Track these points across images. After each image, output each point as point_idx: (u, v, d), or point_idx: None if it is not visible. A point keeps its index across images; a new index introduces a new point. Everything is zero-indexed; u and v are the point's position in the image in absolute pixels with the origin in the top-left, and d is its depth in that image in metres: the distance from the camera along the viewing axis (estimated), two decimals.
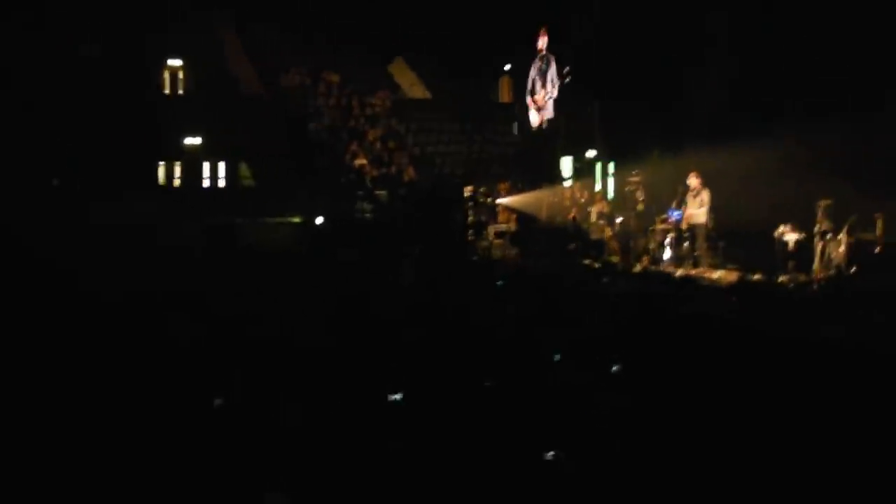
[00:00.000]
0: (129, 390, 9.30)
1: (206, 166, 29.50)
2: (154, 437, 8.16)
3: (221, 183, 29.82)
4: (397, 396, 9.43)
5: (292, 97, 31.53)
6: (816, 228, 20.16)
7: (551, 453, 8.04)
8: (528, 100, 26.58)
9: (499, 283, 17.97)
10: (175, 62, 29.99)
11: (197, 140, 28.43)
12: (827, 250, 19.95)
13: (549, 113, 26.00)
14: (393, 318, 13.18)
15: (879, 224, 20.14)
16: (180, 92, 30.25)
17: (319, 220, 25.68)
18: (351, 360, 10.63)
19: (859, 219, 19.94)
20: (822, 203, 20.26)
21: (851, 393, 9.94)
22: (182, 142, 28.32)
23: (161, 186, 29.01)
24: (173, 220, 23.20)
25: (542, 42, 25.85)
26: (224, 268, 18.10)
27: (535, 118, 26.55)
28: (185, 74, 30.19)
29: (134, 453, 7.83)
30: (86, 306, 12.78)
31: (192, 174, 29.16)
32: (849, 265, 19.71)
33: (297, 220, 25.79)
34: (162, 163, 29.08)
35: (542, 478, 7.88)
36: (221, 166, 29.83)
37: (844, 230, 19.79)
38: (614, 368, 10.48)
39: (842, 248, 19.81)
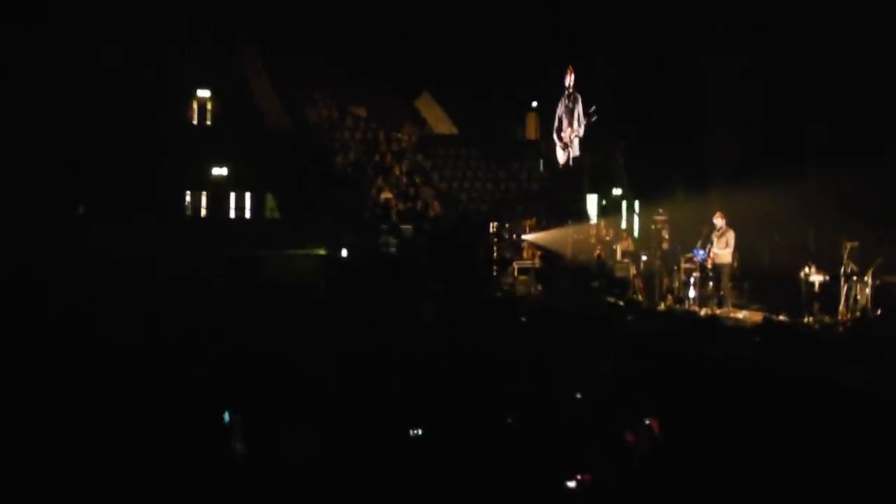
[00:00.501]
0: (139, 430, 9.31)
1: (232, 197, 29.64)
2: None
3: (247, 214, 29.94)
4: (418, 431, 9.43)
5: (318, 130, 31.63)
6: (842, 270, 20.09)
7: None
8: (555, 137, 26.53)
9: (522, 319, 17.95)
10: (203, 93, 30.15)
11: (224, 171, 28.56)
12: (852, 292, 19.87)
13: (575, 151, 25.93)
14: (415, 354, 13.17)
15: None
16: (208, 122, 30.41)
17: (344, 253, 25.73)
18: (372, 396, 10.63)
19: (885, 262, 19.86)
20: (848, 245, 20.20)
21: (870, 438, 9.88)
22: (209, 172, 28.46)
23: (188, 216, 29.15)
24: (199, 249, 23.27)
25: (570, 80, 25.84)
26: (246, 301, 18.10)
27: (561, 156, 26.47)
28: (212, 105, 30.36)
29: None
30: (104, 342, 12.79)
31: (218, 204, 29.29)
32: (874, 308, 19.63)
33: (321, 252, 25.83)
34: (189, 192, 29.23)
35: None
36: (247, 197, 29.97)
37: (870, 272, 19.72)
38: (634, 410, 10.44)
39: (867, 291, 19.74)
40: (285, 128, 31.07)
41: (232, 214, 29.74)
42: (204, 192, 29.28)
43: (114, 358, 11.69)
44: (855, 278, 19.92)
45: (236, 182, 29.25)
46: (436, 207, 29.49)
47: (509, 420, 10.03)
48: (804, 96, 26.05)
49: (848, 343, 17.53)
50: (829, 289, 20.45)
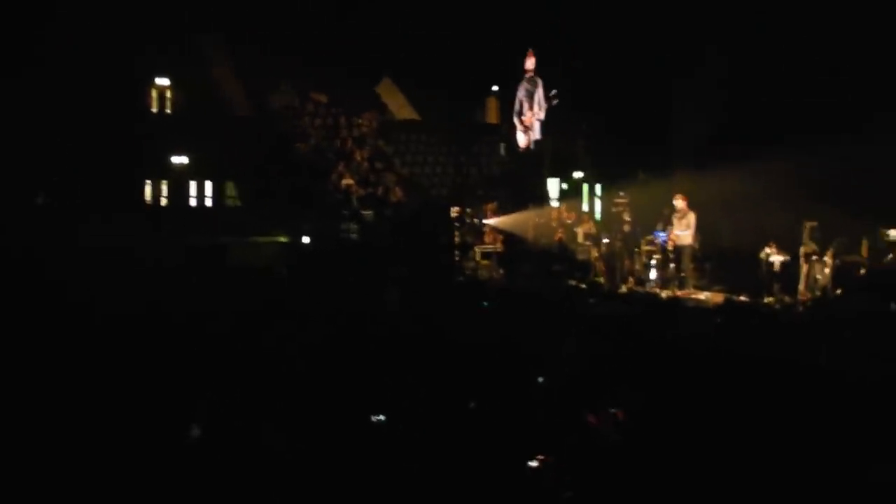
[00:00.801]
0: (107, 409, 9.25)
1: (193, 185, 29.49)
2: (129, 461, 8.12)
3: (208, 202, 29.80)
4: (380, 417, 9.41)
5: (280, 117, 31.55)
6: (802, 250, 20.24)
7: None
8: (516, 121, 26.58)
9: (485, 303, 17.95)
10: (163, 81, 29.96)
11: (184, 159, 28.41)
12: (812, 272, 20.02)
13: (536, 134, 26.02)
14: (377, 339, 13.15)
15: (864, 246, 20.21)
16: (168, 111, 30.23)
17: (306, 239, 25.67)
18: (334, 381, 10.60)
19: (844, 241, 20.00)
20: (808, 225, 20.35)
21: (833, 416, 9.94)
22: (169, 161, 28.30)
23: (148, 205, 28.99)
24: (160, 238, 23.17)
25: (530, 63, 25.88)
26: (208, 287, 18.03)
27: (522, 139, 26.56)
28: (173, 93, 30.18)
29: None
30: (66, 325, 12.70)
31: (179, 193, 29.15)
32: (834, 287, 19.76)
33: (283, 239, 25.78)
34: (149, 181, 29.06)
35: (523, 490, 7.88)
36: (208, 185, 29.82)
37: (829, 252, 19.85)
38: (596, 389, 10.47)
39: (827, 270, 19.88)
40: (246, 115, 30.97)
41: (193, 203, 29.60)
42: (164, 181, 29.13)
43: (75, 348, 11.61)
44: (815, 258, 20.06)
45: (197, 170, 29.11)
46: (397, 193, 29.46)
47: (472, 404, 10.03)
48: (765, 78, 26.16)
49: (808, 322, 17.64)
50: (790, 269, 20.60)
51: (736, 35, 26.45)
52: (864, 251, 20.30)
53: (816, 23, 24.58)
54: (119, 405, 9.43)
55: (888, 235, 20.49)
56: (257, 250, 24.82)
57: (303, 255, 24.81)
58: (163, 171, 28.62)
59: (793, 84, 25.05)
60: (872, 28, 23.55)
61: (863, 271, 20.07)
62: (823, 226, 20.56)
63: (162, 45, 28.85)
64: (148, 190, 29.20)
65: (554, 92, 25.31)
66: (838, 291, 19.64)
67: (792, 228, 21.07)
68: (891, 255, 20.17)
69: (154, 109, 30.09)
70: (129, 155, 26.45)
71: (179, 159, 28.35)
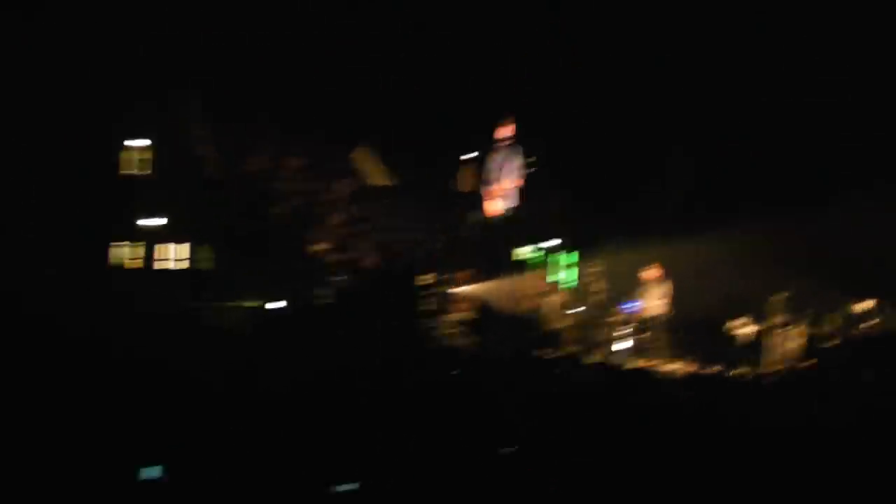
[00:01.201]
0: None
1: (166, 248, 29.37)
2: None
3: (182, 265, 29.66)
4: (355, 486, 9.40)
5: (255, 181, 31.53)
6: (773, 321, 20.30)
7: None
8: (491, 188, 26.67)
9: (456, 371, 17.93)
10: (138, 143, 29.94)
11: (158, 221, 28.32)
12: (783, 343, 20.08)
13: (511, 202, 26.07)
14: (348, 406, 13.12)
15: (834, 318, 20.32)
16: (142, 172, 30.16)
17: (280, 304, 25.59)
18: (306, 452, 10.58)
19: (814, 312, 20.12)
20: (778, 296, 20.44)
21: (806, 484, 9.98)
22: (142, 223, 28.20)
23: (121, 268, 28.85)
24: (132, 302, 23.07)
25: (506, 130, 25.99)
26: (176, 356, 17.93)
27: (497, 207, 26.62)
28: (148, 155, 30.12)
29: None
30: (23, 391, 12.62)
31: (152, 256, 29.02)
32: (805, 358, 19.83)
33: (256, 304, 25.69)
34: (123, 243, 28.95)
35: None
36: (182, 248, 29.69)
37: (800, 322, 19.94)
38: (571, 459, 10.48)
39: (797, 341, 19.95)
40: (222, 177, 30.92)
41: (168, 266, 29.47)
42: (137, 243, 29.01)
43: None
44: (786, 328, 20.14)
45: (170, 232, 29.00)
46: (371, 259, 29.44)
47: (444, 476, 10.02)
48: (737, 148, 26.39)
49: (778, 393, 17.68)
50: (761, 339, 20.66)
51: (708, 101, 26.70)
52: (834, 322, 20.41)
53: (792, 90, 24.89)
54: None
55: (858, 307, 20.64)
56: (231, 315, 24.72)
57: (276, 321, 24.71)
58: (136, 232, 28.51)
59: (768, 152, 25.30)
60: (842, 96, 23.85)
61: (833, 342, 20.17)
62: (794, 297, 20.67)
63: (139, 107, 28.88)
64: (120, 252, 29.08)
65: (531, 159, 25.40)
66: (809, 362, 19.71)
67: (763, 298, 21.17)
68: (861, 326, 20.30)
69: (128, 171, 30.03)
70: (104, 216, 26.39)
71: (153, 221, 28.27)
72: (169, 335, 21.01)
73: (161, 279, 28.08)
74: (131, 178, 29.41)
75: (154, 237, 28.38)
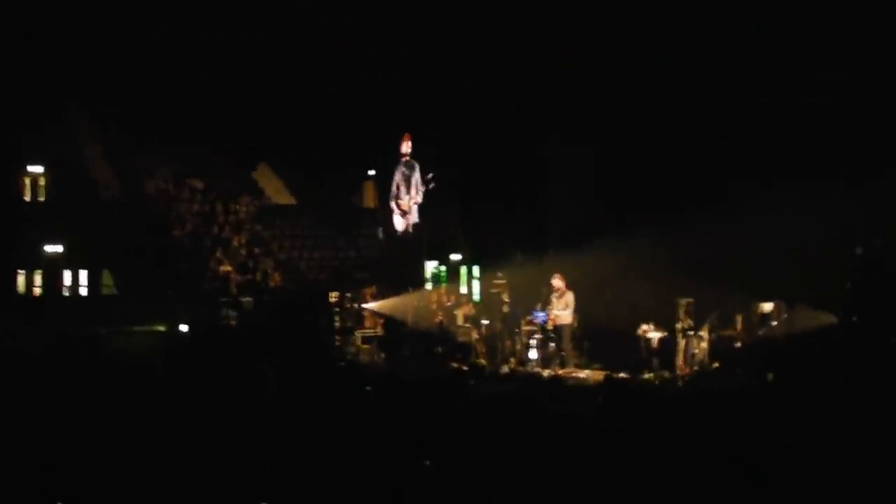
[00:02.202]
0: None
1: (67, 274, 28.95)
2: None
3: (83, 291, 29.26)
4: None
5: (155, 203, 31.23)
6: (678, 326, 20.53)
7: None
8: (393, 204, 26.65)
9: (367, 388, 17.84)
10: (35, 168, 29.53)
11: (58, 247, 27.89)
12: (689, 347, 20.30)
13: (413, 218, 26.07)
14: (256, 428, 12.96)
15: (739, 321, 20.60)
16: (41, 198, 29.76)
17: (184, 328, 25.32)
18: (211, 474, 10.43)
19: (719, 315, 20.37)
20: (683, 301, 20.68)
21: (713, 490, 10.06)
22: (42, 249, 27.74)
23: (20, 296, 28.41)
24: (32, 331, 22.67)
25: (406, 147, 26.01)
26: (79, 382, 17.60)
27: (399, 223, 26.60)
28: (45, 181, 29.73)
29: None
30: None
31: (52, 282, 28.59)
32: (711, 361, 20.07)
33: (160, 328, 25.40)
34: (22, 271, 28.51)
35: None
36: (83, 274, 29.30)
37: (705, 327, 20.18)
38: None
39: (703, 345, 20.19)
40: (121, 201, 30.57)
41: (67, 292, 29.06)
42: (38, 270, 28.57)
43: None
44: (691, 333, 20.37)
45: (72, 258, 28.60)
46: (276, 278, 29.30)
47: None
48: (636, 157, 26.67)
49: (686, 398, 17.84)
50: (667, 344, 20.88)
51: (607, 112, 26.96)
52: (739, 325, 20.69)
53: (689, 101, 25.21)
54: None
55: (761, 309, 20.94)
56: (133, 340, 24.39)
57: (180, 345, 24.42)
58: (36, 260, 28.06)
59: (669, 159, 25.60)
60: (743, 105, 24.22)
61: (738, 345, 20.44)
62: (698, 301, 20.92)
63: (34, 132, 28.48)
64: (21, 280, 28.63)
65: (431, 175, 25.43)
66: (715, 365, 19.95)
67: (668, 304, 21.39)
68: (764, 328, 20.60)
69: (27, 197, 29.61)
70: (1, 245, 25.99)
71: (53, 247, 27.82)
72: (71, 362, 20.65)
73: (63, 306, 27.67)
74: (30, 204, 29.00)
75: (55, 263, 27.93)
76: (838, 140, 23.31)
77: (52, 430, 12.50)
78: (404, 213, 26.62)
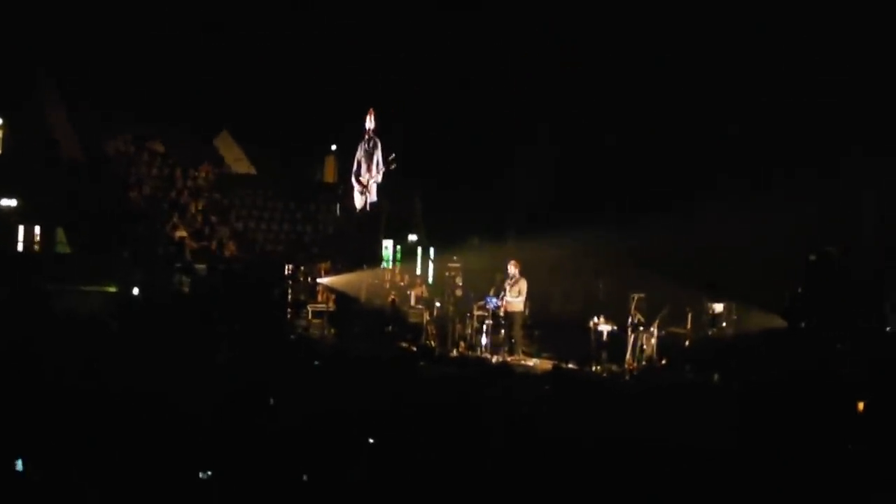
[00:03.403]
0: None
1: (20, 229, 28.72)
2: None
3: (36, 247, 29.05)
4: (207, 473, 9.28)
5: (114, 165, 31.03)
6: (629, 321, 20.64)
7: None
8: (354, 181, 26.59)
9: (315, 363, 17.84)
10: None
11: (12, 202, 27.65)
12: (639, 342, 20.43)
13: (372, 196, 26.04)
14: (204, 397, 12.94)
15: (689, 318, 20.75)
16: None
17: (136, 290, 25.21)
18: (161, 439, 10.41)
19: (670, 312, 20.50)
20: (635, 296, 20.79)
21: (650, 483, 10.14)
22: None
23: None
24: None
25: (370, 122, 25.93)
26: (30, 337, 17.50)
27: (359, 200, 26.56)
28: (3, 133, 29.47)
29: None
30: None
31: (5, 237, 28.34)
32: (660, 357, 20.21)
33: (112, 289, 25.27)
34: None
35: None
36: (37, 230, 29.07)
37: (656, 323, 20.31)
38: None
39: (653, 341, 20.32)
40: (80, 160, 30.33)
41: (20, 247, 28.84)
42: None
43: None
44: (641, 328, 20.50)
45: (25, 214, 28.37)
46: (231, 247, 29.19)
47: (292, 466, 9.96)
48: (598, 148, 26.78)
49: (633, 392, 17.96)
50: (617, 338, 21.00)
51: (571, 101, 27.03)
52: (689, 323, 20.85)
53: (653, 95, 25.32)
54: None
55: (712, 309, 21.10)
56: (85, 299, 24.24)
57: (131, 307, 24.29)
58: None
59: (627, 153, 25.71)
60: (708, 105, 24.35)
61: (687, 342, 20.60)
62: (650, 297, 21.04)
63: None
64: None
65: (392, 156, 25.40)
66: (663, 361, 20.09)
67: (620, 298, 21.51)
68: (714, 328, 20.77)
69: None
70: None
71: (8, 201, 27.58)
72: (22, 319, 20.53)
73: (15, 261, 27.45)
74: None
75: (8, 218, 27.70)
76: (800, 144, 23.50)
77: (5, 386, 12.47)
78: (364, 191, 26.59)
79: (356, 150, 26.46)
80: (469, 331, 23.40)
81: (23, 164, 28.42)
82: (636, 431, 13.10)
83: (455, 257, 25.88)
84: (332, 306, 25.47)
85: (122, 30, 29.47)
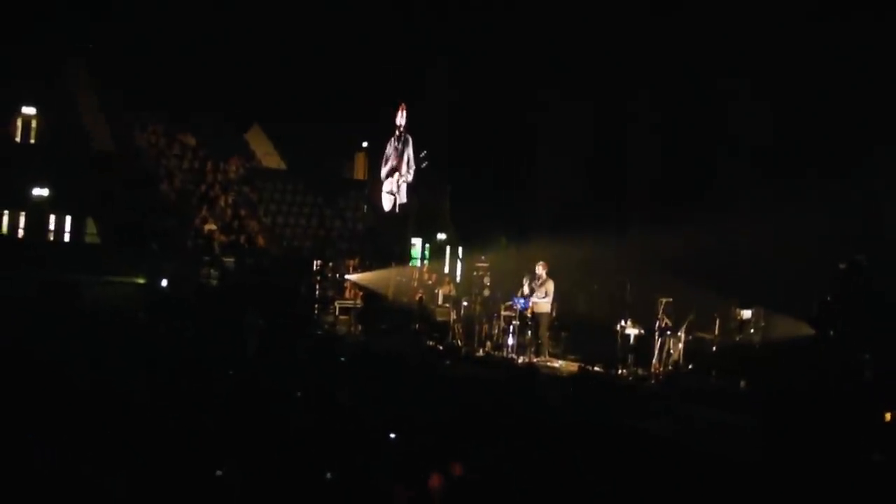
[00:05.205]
0: None
1: (52, 219, 28.90)
2: None
3: (67, 237, 29.21)
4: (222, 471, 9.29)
5: (146, 156, 31.17)
6: (657, 325, 20.54)
7: None
8: (384, 179, 26.60)
9: (342, 359, 17.88)
10: (29, 110, 29.46)
11: (45, 191, 27.80)
12: (666, 346, 20.33)
13: (402, 198, 25.98)
14: (230, 390, 13.00)
15: (716, 324, 20.63)
16: (32, 141, 29.71)
17: (164, 282, 25.31)
18: (185, 433, 10.45)
19: (697, 317, 20.40)
20: (663, 300, 20.68)
21: (673, 485, 10.12)
22: (29, 192, 27.64)
23: (3, 236, 28.37)
24: (13, 271, 22.73)
25: (401, 117, 25.84)
26: (58, 327, 17.61)
27: (387, 201, 26.55)
28: (38, 124, 29.66)
29: None
30: None
31: (37, 226, 28.52)
32: (686, 362, 20.11)
33: (141, 280, 25.39)
34: (6, 211, 28.47)
35: None
36: (68, 220, 29.23)
37: (683, 328, 20.20)
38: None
39: (680, 345, 20.22)
40: (112, 151, 30.48)
41: (51, 237, 29.02)
42: (22, 213, 28.50)
43: None
44: (668, 333, 20.39)
45: (57, 204, 28.52)
46: (260, 241, 29.27)
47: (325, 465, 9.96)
48: (629, 152, 26.71)
49: (659, 395, 17.90)
50: (644, 342, 20.90)
51: (603, 105, 26.97)
52: (717, 329, 20.74)
53: (681, 100, 25.22)
54: None
55: (741, 315, 20.97)
56: (113, 290, 24.38)
57: (160, 299, 24.41)
58: (22, 201, 27.97)
59: (660, 156, 25.62)
60: (734, 105, 24.25)
61: (714, 348, 20.49)
62: (678, 301, 20.93)
63: (31, 73, 28.43)
64: (5, 220, 28.59)
65: (424, 153, 25.35)
66: (689, 366, 19.99)
67: (648, 302, 21.41)
68: (742, 334, 20.65)
69: (17, 139, 29.57)
70: None
71: (40, 191, 27.74)
72: (54, 307, 20.68)
73: (46, 250, 27.61)
74: (20, 145, 28.94)
75: (40, 207, 27.85)
76: (835, 149, 23.34)
77: (32, 374, 12.54)
78: (392, 193, 26.56)
79: (387, 146, 26.42)
80: (496, 331, 23.35)
81: (55, 155, 28.57)
82: (660, 434, 13.10)
83: (483, 257, 25.84)
84: (359, 303, 25.50)
85: (154, 22, 29.62)
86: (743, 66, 24.64)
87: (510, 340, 22.59)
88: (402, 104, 26.19)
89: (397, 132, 26.36)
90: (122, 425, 10.55)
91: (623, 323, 21.29)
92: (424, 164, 25.70)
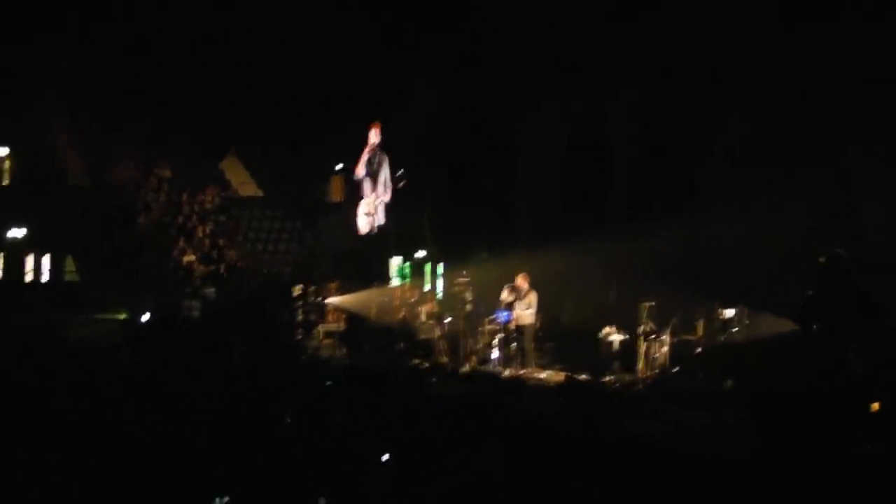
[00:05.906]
0: None
1: (29, 259, 28.78)
2: None
3: (45, 277, 29.09)
4: (224, 499, 9.27)
5: (121, 191, 31.05)
6: (640, 330, 20.60)
7: None
8: (361, 200, 26.49)
9: (327, 383, 17.84)
10: (0, 150, 29.39)
11: (20, 231, 27.69)
12: (650, 351, 20.38)
13: (379, 219, 25.79)
14: (215, 418, 12.96)
15: (700, 325, 20.70)
16: (5, 182, 29.60)
17: (146, 317, 25.22)
18: (173, 461, 10.43)
19: (680, 320, 20.46)
20: (645, 305, 20.75)
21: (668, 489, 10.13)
22: (4, 233, 27.53)
23: None
24: None
25: (375, 136, 25.68)
26: (40, 367, 17.53)
27: (364, 224, 26.35)
28: (10, 163, 29.55)
29: None
30: None
31: (14, 267, 28.39)
32: (671, 365, 20.16)
33: (122, 316, 25.30)
34: None
35: None
36: (46, 259, 29.12)
37: (667, 331, 20.26)
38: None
39: (664, 349, 20.27)
40: (87, 187, 30.37)
41: (29, 278, 28.89)
42: None
43: None
44: (653, 337, 20.45)
45: (34, 243, 28.41)
46: (240, 270, 29.18)
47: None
48: (604, 158, 26.76)
49: (646, 399, 17.95)
50: (629, 347, 20.96)
51: (578, 113, 27.01)
52: (700, 330, 20.79)
53: (658, 101, 25.30)
54: None
55: (723, 315, 21.04)
56: (95, 328, 24.28)
57: (143, 334, 24.32)
58: None
59: (630, 163, 25.68)
60: (709, 105, 24.33)
61: (699, 350, 20.55)
62: (661, 305, 20.99)
63: (1, 112, 28.36)
64: None
65: (401, 172, 25.26)
66: (675, 369, 20.04)
67: (630, 308, 21.46)
68: (726, 334, 20.72)
69: None
70: None
71: (15, 231, 27.62)
72: (32, 348, 20.56)
73: (24, 291, 27.51)
74: None
75: (16, 248, 27.74)
76: (814, 147, 23.44)
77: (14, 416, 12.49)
78: (369, 214, 26.42)
79: (363, 167, 26.26)
80: (480, 345, 23.32)
81: (30, 193, 28.48)
82: (650, 437, 13.12)
83: (464, 272, 25.79)
84: (342, 325, 25.39)
85: (125, 54, 29.53)
86: (721, 66, 24.75)
87: (495, 354, 22.60)
88: (377, 124, 26.06)
89: (372, 153, 26.19)
90: (111, 455, 10.54)
91: (607, 330, 21.37)
92: (402, 184, 25.58)
